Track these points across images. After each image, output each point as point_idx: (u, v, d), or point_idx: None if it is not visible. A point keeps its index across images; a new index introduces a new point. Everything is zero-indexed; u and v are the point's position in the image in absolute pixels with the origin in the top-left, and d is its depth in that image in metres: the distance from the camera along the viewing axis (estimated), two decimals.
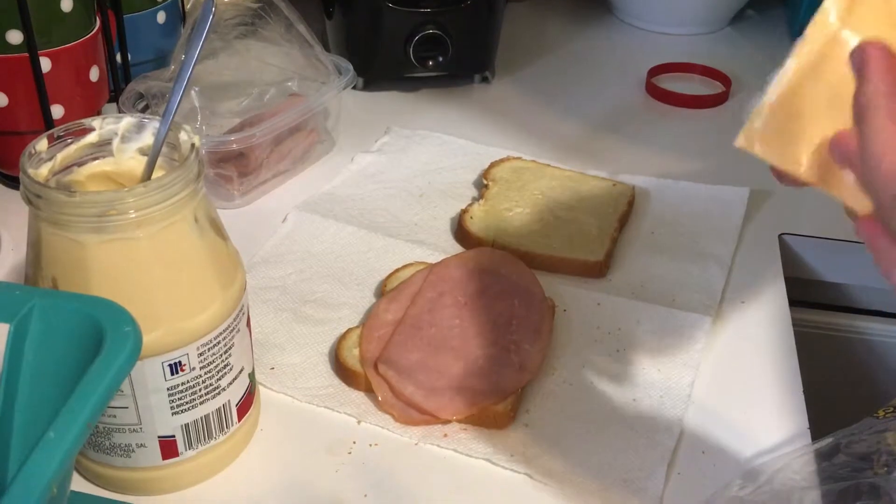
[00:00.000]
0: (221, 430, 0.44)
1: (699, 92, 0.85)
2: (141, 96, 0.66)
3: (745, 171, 0.72)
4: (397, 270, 0.59)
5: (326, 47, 0.75)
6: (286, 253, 0.62)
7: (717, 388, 0.51)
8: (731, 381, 0.52)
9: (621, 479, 0.45)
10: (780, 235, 0.65)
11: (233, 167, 0.65)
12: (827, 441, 0.44)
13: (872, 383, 0.71)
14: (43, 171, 0.40)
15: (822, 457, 0.43)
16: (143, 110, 0.66)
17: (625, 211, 0.64)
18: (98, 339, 0.31)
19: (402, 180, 0.70)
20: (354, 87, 0.81)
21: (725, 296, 0.58)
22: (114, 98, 0.72)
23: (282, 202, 0.67)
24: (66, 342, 0.32)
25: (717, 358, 0.53)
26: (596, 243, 0.61)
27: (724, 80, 0.86)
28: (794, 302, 0.59)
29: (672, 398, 0.50)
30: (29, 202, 0.37)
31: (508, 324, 0.53)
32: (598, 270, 0.60)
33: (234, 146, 0.63)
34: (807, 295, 0.68)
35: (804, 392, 0.51)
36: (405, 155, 0.73)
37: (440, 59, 0.80)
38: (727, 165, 0.73)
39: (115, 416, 0.41)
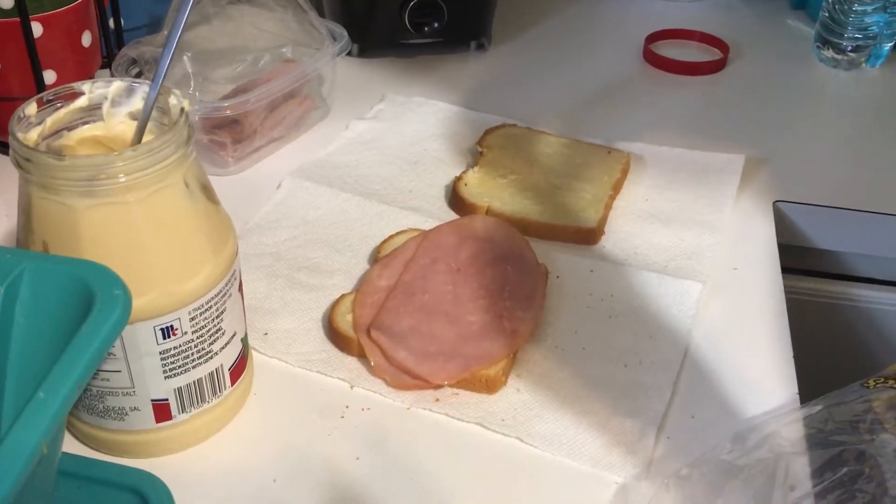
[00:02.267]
0: (214, 393, 0.44)
1: (697, 59, 0.84)
2: (134, 62, 0.66)
3: (741, 138, 0.72)
4: (391, 237, 0.59)
5: (321, 13, 0.75)
6: (280, 219, 0.62)
7: (708, 353, 0.51)
8: (723, 347, 0.52)
9: (611, 442, 0.45)
10: (774, 203, 0.65)
11: (227, 134, 0.65)
12: (816, 408, 0.44)
13: (864, 351, 0.72)
14: (33, 136, 0.39)
15: (810, 422, 0.44)
16: (137, 76, 0.65)
17: (619, 178, 0.64)
18: (88, 302, 0.31)
19: (396, 147, 0.70)
20: (349, 54, 0.81)
21: (718, 263, 0.58)
22: (107, 64, 0.71)
23: (276, 169, 0.67)
24: (56, 305, 0.32)
25: (709, 324, 0.54)
26: (590, 210, 0.61)
27: (723, 46, 0.86)
28: (788, 269, 0.59)
29: (663, 363, 0.50)
30: (19, 166, 0.37)
31: (501, 290, 0.53)
32: (591, 237, 0.60)
33: (228, 112, 0.63)
34: (800, 262, 0.69)
35: (796, 359, 0.51)
36: (400, 122, 0.73)
37: (435, 25, 0.79)
38: (723, 133, 0.73)
39: (108, 380, 0.41)
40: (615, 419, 0.47)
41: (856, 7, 0.80)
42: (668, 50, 0.86)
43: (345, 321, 0.51)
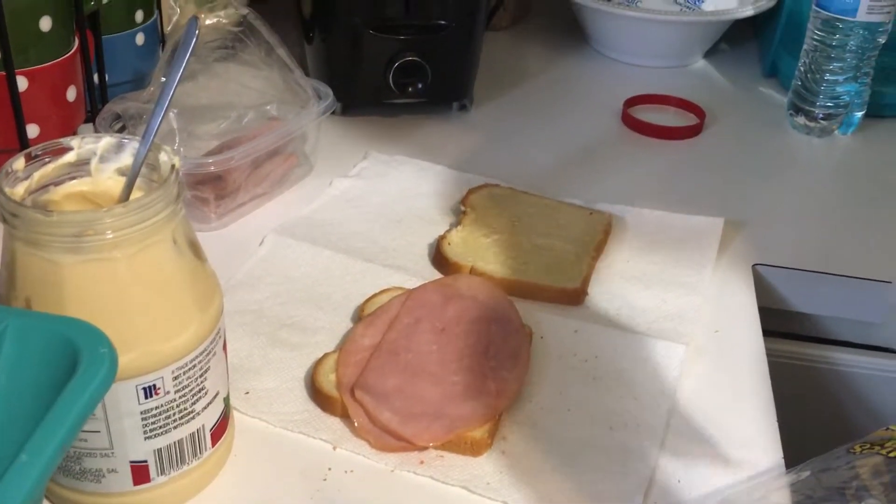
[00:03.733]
0: (195, 455, 0.44)
1: (674, 123, 0.86)
2: (118, 117, 0.66)
3: (719, 201, 0.73)
4: (375, 295, 0.58)
5: (306, 72, 0.75)
6: (263, 276, 0.61)
7: (693, 416, 0.51)
8: (707, 409, 0.52)
9: None
10: (753, 266, 0.65)
11: (210, 189, 0.65)
12: (804, 473, 0.44)
13: (845, 414, 0.72)
14: (19, 190, 0.39)
15: (799, 488, 0.43)
16: (120, 131, 0.65)
17: (601, 239, 0.65)
18: (73, 360, 0.31)
19: (380, 205, 0.70)
20: (333, 113, 0.81)
21: (700, 325, 0.59)
22: (90, 118, 0.71)
23: (259, 225, 0.67)
24: (39, 363, 0.32)
25: (693, 386, 0.54)
26: (573, 270, 0.61)
27: (699, 112, 0.88)
28: (768, 332, 0.60)
29: (648, 426, 0.50)
30: (4, 221, 0.37)
31: (486, 350, 0.53)
32: (575, 298, 0.60)
33: (212, 168, 0.63)
34: (779, 325, 0.69)
35: (778, 422, 0.51)
36: (383, 180, 0.73)
37: (419, 85, 0.80)
38: (702, 196, 0.74)
39: (86, 441, 0.40)
40: (602, 483, 0.46)
41: (827, 77, 0.83)
42: (646, 114, 0.88)
43: (328, 381, 0.51)
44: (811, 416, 0.70)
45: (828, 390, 0.71)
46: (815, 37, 0.82)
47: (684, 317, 0.59)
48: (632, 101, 0.89)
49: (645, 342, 0.56)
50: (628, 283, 0.62)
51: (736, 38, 1.06)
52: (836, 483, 0.42)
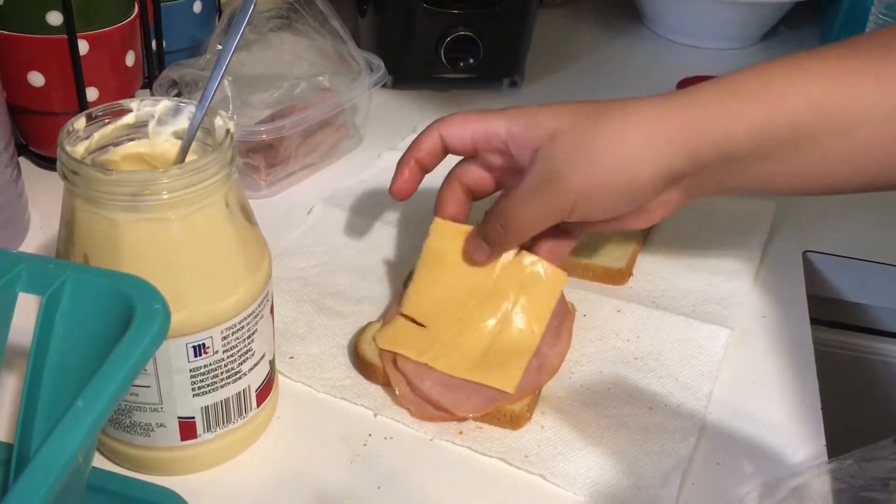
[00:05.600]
0: (240, 414, 0.44)
1: None
2: (174, 83, 0.67)
3: None
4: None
5: (359, 44, 0.76)
6: (310, 245, 0.62)
7: (735, 400, 0.51)
8: (750, 394, 0.51)
9: (635, 485, 0.45)
10: (804, 253, 0.64)
11: (261, 157, 0.66)
12: (846, 461, 0.44)
13: (892, 406, 0.71)
14: (80, 149, 0.40)
15: (840, 476, 0.43)
16: (177, 97, 0.66)
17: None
18: (127, 314, 0.32)
19: (428, 178, 0.69)
20: (384, 85, 0.81)
21: (747, 310, 0.58)
22: (147, 84, 0.73)
23: (308, 195, 0.67)
24: (95, 316, 0.33)
25: (736, 371, 0.53)
26: (619, 250, 0.61)
27: None
28: (816, 320, 0.59)
29: (689, 408, 0.50)
30: (65, 178, 0.38)
31: None
32: (619, 277, 0.59)
33: (264, 137, 0.63)
34: (828, 314, 0.68)
35: (823, 412, 0.50)
36: None
37: (471, 60, 0.80)
38: None
39: (136, 395, 0.41)
40: (640, 462, 0.46)
41: None
42: None
43: (371, 349, 0.51)
44: (857, 407, 0.69)
45: (876, 382, 0.70)
46: (879, 20, 0.80)
47: (730, 301, 0.58)
48: (685, 83, 0.88)
49: (689, 325, 0.55)
50: (674, 265, 0.61)
51: (796, 20, 1.03)
52: (880, 473, 0.41)
